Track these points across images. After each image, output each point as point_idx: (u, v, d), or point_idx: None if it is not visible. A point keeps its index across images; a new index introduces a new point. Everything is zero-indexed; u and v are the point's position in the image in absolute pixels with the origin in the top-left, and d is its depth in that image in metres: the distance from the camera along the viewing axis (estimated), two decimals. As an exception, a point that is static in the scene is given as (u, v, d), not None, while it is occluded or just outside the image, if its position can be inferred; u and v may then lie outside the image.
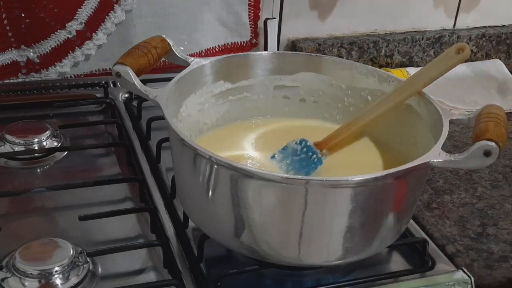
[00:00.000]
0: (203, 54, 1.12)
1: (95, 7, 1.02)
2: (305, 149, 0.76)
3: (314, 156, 0.76)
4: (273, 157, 0.76)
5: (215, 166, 0.61)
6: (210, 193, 0.63)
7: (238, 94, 0.81)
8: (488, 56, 1.32)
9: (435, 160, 0.61)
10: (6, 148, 0.88)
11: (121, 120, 0.97)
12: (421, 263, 0.73)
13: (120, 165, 0.88)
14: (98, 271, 0.69)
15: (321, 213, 0.60)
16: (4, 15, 0.98)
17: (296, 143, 0.77)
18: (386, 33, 1.25)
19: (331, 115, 0.83)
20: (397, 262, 0.74)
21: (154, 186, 0.82)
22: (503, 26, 1.35)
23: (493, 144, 0.59)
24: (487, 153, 0.59)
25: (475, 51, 1.31)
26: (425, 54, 1.26)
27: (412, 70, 1.19)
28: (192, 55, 0.86)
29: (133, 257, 0.71)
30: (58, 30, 1.01)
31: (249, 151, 0.78)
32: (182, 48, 1.08)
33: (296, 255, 0.64)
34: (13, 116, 0.95)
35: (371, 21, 1.24)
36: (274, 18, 1.16)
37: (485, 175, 0.92)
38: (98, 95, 1.03)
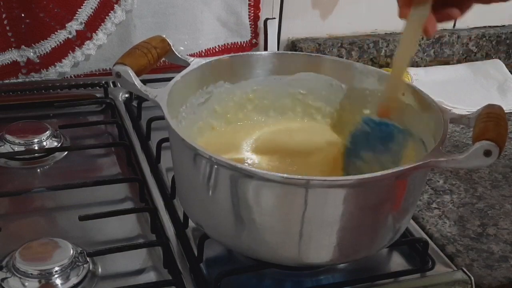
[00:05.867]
0: (203, 54, 1.12)
1: (95, 7, 1.02)
2: (375, 126, 0.71)
3: (391, 128, 0.70)
4: (350, 152, 0.71)
5: (215, 166, 0.61)
6: (210, 193, 0.63)
7: (239, 94, 0.81)
8: (488, 56, 1.32)
9: (435, 160, 0.61)
10: (6, 148, 0.88)
11: (121, 120, 0.97)
12: (421, 263, 0.73)
13: (120, 165, 0.88)
14: (98, 271, 0.69)
15: (321, 213, 0.60)
16: (4, 15, 0.98)
17: (361, 124, 0.71)
18: (386, 33, 1.25)
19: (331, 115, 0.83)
20: (397, 262, 0.74)
21: (154, 186, 0.82)
22: (503, 26, 1.35)
23: (493, 144, 0.58)
24: (487, 153, 0.59)
25: (475, 51, 1.31)
26: (425, 54, 1.26)
27: (412, 70, 1.19)
28: (192, 55, 0.86)
29: (133, 257, 0.71)
30: (58, 30, 1.01)
31: (250, 151, 0.78)
32: (182, 48, 1.08)
33: (296, 255, 0.64)
34: (13, 116, 0.95)
35: (371, 21, 1.24)
36: (274, 18, 1.16)
37: (485, 175, 0.92)
38: (98, 95, 1.03)
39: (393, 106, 0.73)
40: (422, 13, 0.67)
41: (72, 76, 1.07)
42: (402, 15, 0.68)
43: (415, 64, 1.26)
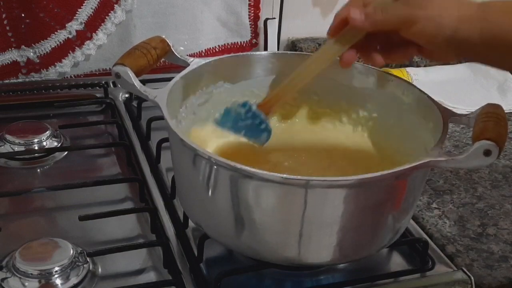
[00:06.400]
0: (203, 54, 1.12)
1: (95, 7, 1.02)
2: (249, 113, 0.73)
3: (263, 125, 0.73)
4: (217, 122, 0.73)
5: (215, 167, 0.61)
6: (210, 193, 0.63)
7: (238, 94, 0.81)
8: (488, 56, 1.32)
9: (435, 160, 0.61)
10: (6, 148, 0.88)
11: (121, 120, 0.97)
12: (421, 263, 0.73)
13: (120, 165, 0.88)
14: (98, 271, 0.69)
15: (321, 213, 0.60)
16: (4, 15, 0.98)
17: (239, 105, 0.73)
18: (386, 33, 1.25)
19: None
20: (397, 262, 0.74)
21: (154, 186, 0.82)
22: (503, 26, 1.34)
23: (493, 143, 0.58)
24: (487, 153, 0.59)
25: (475, 51, 1.30)
26: (425, 54, 1.26)
27: (412, 70, 1.19)
28: (192, 55, 0.86)
29: (133, 257, 0.71)
30: (58, 30, 1.02)
31: (250, 150, 0.78)
32: (182, 48, 1.08)
33: (296, 255, 0.64)
34: (13, 116, 0.95)
35: (371, 21, 1.24)
36: (274, 18, 1.16)
37: (485, 175, 0.92)
38: (98, 95, 1.03)
39: (276, 106, 0.74)
40: (349, 40, 0.68)
41: (72, 76, 1.07)
42: (331, 33, 0.69)
43: (415, 64, 1.26)
